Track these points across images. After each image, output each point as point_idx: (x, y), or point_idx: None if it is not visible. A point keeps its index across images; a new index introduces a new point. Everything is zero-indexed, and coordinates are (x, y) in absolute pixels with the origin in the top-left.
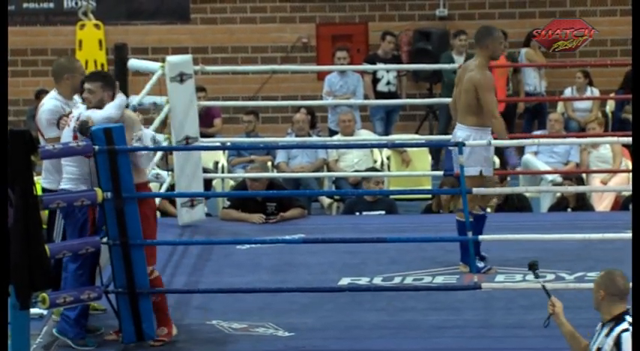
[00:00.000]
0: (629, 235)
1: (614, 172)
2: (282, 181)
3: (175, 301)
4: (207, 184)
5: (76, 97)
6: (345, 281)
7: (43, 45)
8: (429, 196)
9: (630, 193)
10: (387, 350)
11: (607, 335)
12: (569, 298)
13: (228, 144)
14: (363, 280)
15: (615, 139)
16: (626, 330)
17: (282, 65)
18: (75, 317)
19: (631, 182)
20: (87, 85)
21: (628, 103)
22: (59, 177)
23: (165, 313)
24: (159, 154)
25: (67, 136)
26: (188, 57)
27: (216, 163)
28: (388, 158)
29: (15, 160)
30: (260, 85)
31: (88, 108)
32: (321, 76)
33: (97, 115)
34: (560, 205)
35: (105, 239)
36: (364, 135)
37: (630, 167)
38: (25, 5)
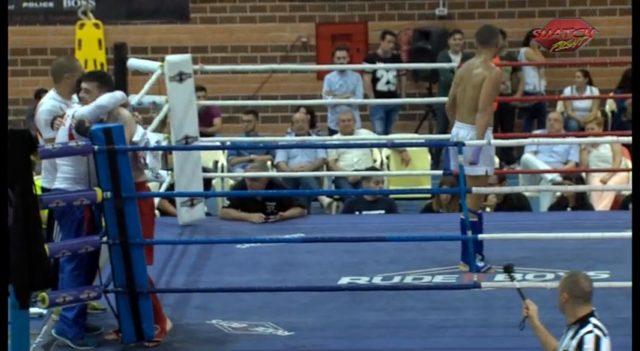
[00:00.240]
0: (628, 234)
1: (614, 171)
2: (281, 181)
3: (175, 301)
4: (207, 183)
5: (75, 97)
6: (344, 280)
7: (42, 44)
8: (429, 195)
9: (630, 192)
10: (386, 349)
11: (572, 338)
12: None
13: (228, 143)
14: (363, 280)
15: (615, 138)
16: (590, 332)
17: (281, 65)
18: (73, 317)
19: (631, 181)
20: (84, 85)
21: (628, 105)
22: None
23: (157, 309)
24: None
25: (62, 135)
26: (187, 56)
27: (216, 162)
28: (388, 158)
29: (15, 159)
30: (260, 84)
31: None
32: (320, 75)
33: (88, 106)
34: (560, 204)
35: (105, 239)
36: (364, 134)
37: (630, 166)
38: (24, 4)
